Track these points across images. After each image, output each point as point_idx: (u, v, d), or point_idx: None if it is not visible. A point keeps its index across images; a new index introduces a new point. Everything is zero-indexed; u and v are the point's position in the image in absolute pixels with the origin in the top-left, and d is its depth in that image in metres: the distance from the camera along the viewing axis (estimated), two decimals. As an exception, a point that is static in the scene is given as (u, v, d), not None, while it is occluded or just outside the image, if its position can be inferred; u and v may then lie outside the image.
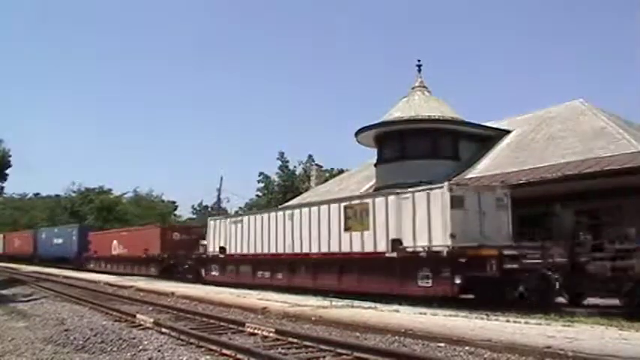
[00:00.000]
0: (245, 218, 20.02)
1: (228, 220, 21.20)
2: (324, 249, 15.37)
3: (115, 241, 31.26)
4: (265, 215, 18.92)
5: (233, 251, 19.80)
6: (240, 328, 9.47)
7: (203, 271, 21.68)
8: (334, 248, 15.02)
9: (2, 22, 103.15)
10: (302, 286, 15.88)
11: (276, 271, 17.53)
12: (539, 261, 11.11)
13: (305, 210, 16.90)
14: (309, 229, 16.10)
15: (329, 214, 15.42)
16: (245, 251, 19.06)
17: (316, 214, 15.97)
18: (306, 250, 16.14)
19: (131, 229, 34.73)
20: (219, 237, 20.77)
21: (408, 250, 12.56)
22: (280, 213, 18.19)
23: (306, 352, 7.49)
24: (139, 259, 27.89)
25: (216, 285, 19.19)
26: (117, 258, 30.90)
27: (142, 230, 30.35)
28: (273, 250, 17.67)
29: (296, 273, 16.69)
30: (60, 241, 39.45)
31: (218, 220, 21.65)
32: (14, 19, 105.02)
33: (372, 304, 11.82)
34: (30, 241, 45.20)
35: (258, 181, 48.04)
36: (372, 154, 25.03)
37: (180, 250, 24.46)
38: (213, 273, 20.92)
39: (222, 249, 20.25)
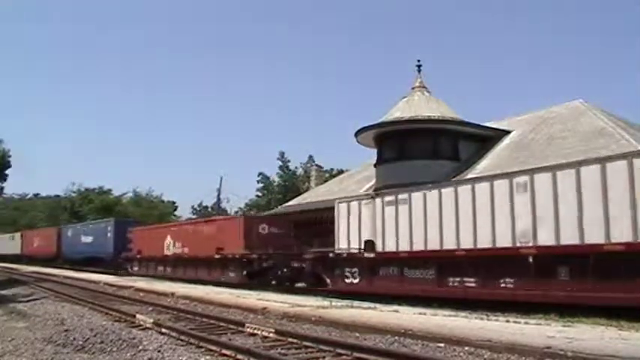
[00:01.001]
0: (416, 195, 13.38)
1: (379, 200, 14.51)
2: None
3: (168, 238, 24.75)
4: (464, 187, 12.40)
5: (392, 247, 13.71)
6: (240, 329, 9.47)
7: (329, 278, 15.81)
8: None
9: (2, 21, 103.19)
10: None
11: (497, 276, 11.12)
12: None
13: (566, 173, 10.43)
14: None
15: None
16: (420, 246, 12.95)
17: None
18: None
19: (197, 220, 31.08)
20: (359, 226, 14.80)
21: None
22: (502, 182, 11.51)
23: (306, 353, 7.49)
24: (208, 261, 21.36)
25: (356, 296, 13.74)
26: (173, 259, 24.43)
27: (212, 223, 23.45)
28: (486, 242, 11.46)
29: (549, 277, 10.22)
30: (90, 239, 33.50)
31: (356, 202, 15.28)
32: (14, 19, 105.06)
33: (372, 305, 11.83)
34: (53, 239, 39.51)
35: (258, 182, 48.11)
36: (371, 154, 25.04)
37: (270, 247, 19.01)
38: (350, 280, 14.84)
39: (369, 244, 14.25)
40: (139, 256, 27.23)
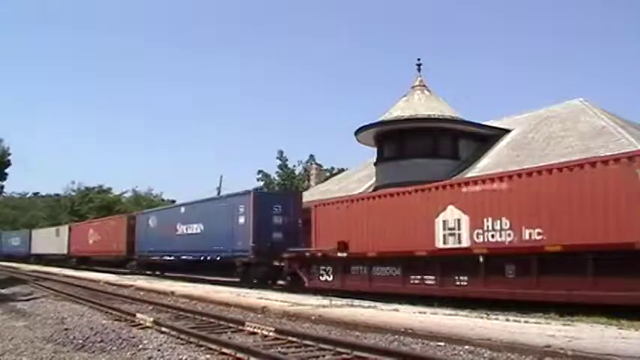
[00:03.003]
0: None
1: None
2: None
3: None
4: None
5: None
6: (240, 327, 9.46)
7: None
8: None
9: (3, 21, 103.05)
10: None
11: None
12: None
13: None
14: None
15: None
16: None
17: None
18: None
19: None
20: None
21: None
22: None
23: (306, 351, 7.48)
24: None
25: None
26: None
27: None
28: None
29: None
30: (200, 226, 21.25)
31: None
32: (14, 18, 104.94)
33: (372, 304, 11.83)
34: (120, 233, 28.18)
35: (258, 180, 48.06)
36: (371, 153, 25.05)
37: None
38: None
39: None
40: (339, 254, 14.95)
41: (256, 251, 17.62)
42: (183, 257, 22.44)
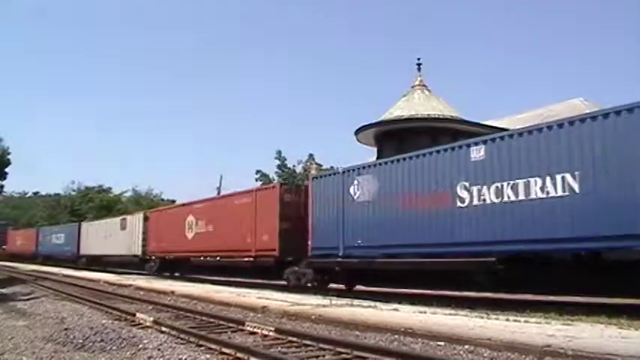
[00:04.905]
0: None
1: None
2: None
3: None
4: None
5: None
6: (240, 327, 9.45)
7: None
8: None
9: (3, 21, 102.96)
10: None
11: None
12: None
13: None
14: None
15: None
16: None
17: None
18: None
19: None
20: None
21: None
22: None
23: (306, 351, 7.48)
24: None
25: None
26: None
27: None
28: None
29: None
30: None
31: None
32: (14, 18, 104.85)
33: (372, 303, 11.82)
34: (273, 209, 16.13)
35: (256, 179, 47.99)
36: (371, 153, 25.06)
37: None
38: None
39: None
40: None
41: None
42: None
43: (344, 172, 14.55)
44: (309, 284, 15.19)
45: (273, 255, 16.04)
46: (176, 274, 23.54)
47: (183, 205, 23.81)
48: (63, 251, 36.81)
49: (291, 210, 16.07)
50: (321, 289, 14.83)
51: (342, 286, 15.44)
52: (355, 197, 13.94)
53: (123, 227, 27.66)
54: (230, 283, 19.16)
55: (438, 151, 12.25)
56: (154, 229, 24.81)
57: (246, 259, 17.20)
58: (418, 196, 12.28)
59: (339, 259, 14.30)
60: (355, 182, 13.99)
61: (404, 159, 13.07)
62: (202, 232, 20.49)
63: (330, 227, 14.54)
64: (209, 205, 21.03)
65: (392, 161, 13.41)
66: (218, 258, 19.33)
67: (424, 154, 12.60)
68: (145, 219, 25.71)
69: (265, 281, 17.55)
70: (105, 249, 29.70)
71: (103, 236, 30.13)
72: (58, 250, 37.91)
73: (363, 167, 14.28)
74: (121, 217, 29.14)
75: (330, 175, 15.69)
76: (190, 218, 21.49)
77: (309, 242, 15.20)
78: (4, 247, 51.84)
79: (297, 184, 19.39)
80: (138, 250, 25.52)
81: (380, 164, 13.91)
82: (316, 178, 16.06)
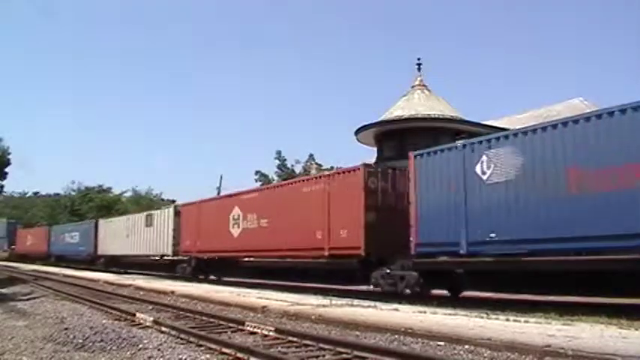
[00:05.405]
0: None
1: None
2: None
3: None
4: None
5: None
6: (240, 327, 9.45)
7: None
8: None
9: (3, 21, 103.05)
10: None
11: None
12: None
13: None
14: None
15: None
16: None
17: None
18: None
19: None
20: None
21: None
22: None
23: (306, 351, 7.48)
24: None
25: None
26: None
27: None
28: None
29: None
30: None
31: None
32: (15, 18, 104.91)
33: (372, 303, 11.82)
34: (358, 199, 13.14)
35: (256, 180, 47.96)
36: (372, 152, 25.06)
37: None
38: None
39: None
40: None
41: None
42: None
43: (465, 145, 11.45)
44: (407, 290, 12.21)
45: (356, 254, 13.08)
46: (212, 277, 20.85)
47: (227, 196, 20.43)
48: (78, 251, 33.84)
49: (379, 198, 13.31)
50: (423, 297, 11.96)
51: (445, 292, 12.73)
52: (485, 177, 10.83)
53: (148, 224, 24.56)
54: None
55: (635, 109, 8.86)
56: (187, 226, 21.70)
57: (319, 259, 14.25)
58: (595, 174, 9.13)
59: (462, 259, 11.17)
60: (484, 158, 10.90)
61: (572, 122, 9.68)
62: (253, 227, 17.40)
63: (445, 218, 11.41)
64: (262, 195, 17.92)
65: (551, 126, 10.01)
66: (275, 259, 16.88)
67: (611, 113, 9.13)
68: (177, 214, 22.57)
69: (345, 287, 14.46)
70: (126, 249, 26.67)
71: (124, 234, 27.12)
72: (73, 250, 34.99)
73: (497, 138, 10.94)
74: (146, 213, 26.03)
75: (443, 150, 12.18)
76: (236, 211, 18.32)
77: (412, 238, 12.03)
78: (13, 247, 50.17)
79: (385, 166, 15.41)
80: (168, 250, 22.55)
81: (526, 132, 10.40)
82: (420, 156, 12.61)
